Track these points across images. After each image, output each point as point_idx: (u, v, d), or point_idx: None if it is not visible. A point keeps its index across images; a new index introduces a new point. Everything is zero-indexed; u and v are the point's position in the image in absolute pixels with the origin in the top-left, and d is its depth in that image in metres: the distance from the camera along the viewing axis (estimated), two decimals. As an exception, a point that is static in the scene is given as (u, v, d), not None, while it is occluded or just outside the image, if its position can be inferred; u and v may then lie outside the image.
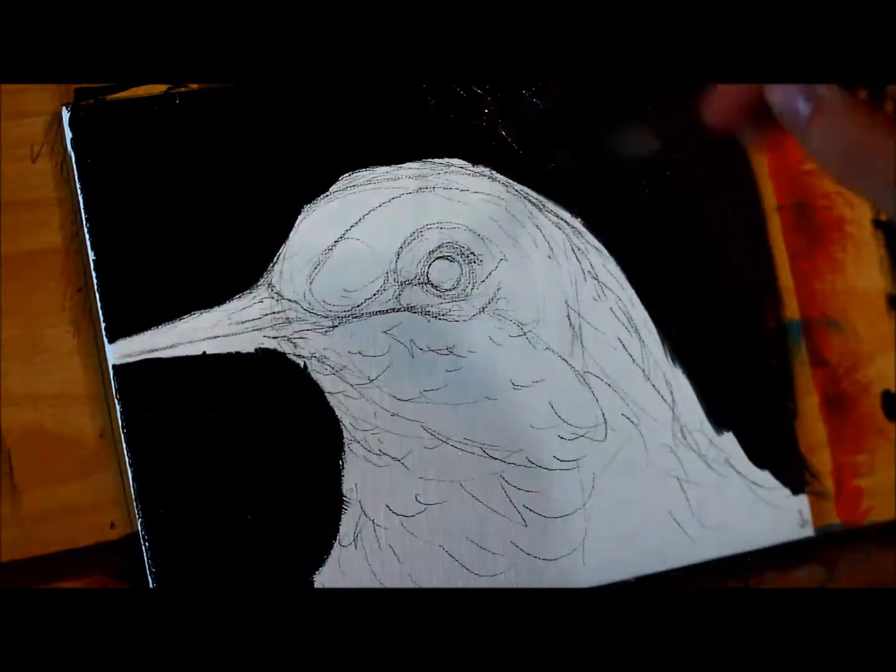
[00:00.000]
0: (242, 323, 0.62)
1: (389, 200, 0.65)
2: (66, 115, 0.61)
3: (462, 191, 0.66)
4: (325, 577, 0.63)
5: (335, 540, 0.63)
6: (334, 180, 0.64)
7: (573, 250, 0.67)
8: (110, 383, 0.61)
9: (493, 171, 0.66)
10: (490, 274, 0.66)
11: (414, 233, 0.65)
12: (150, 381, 0.61)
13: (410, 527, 0.64)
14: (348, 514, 0.63)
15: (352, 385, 0.63)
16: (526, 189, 0.67)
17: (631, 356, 0.68)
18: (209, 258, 0.62)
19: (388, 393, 0.64)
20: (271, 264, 0.63)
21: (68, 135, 0.61)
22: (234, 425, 0.62)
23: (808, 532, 0.70)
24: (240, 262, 0.63)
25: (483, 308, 0.65)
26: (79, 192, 0.61)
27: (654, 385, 0.68)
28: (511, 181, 0.67)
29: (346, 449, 0.64)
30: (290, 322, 0.63)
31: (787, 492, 0.70)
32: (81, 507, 0.61)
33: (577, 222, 0.67)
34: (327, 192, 0.64)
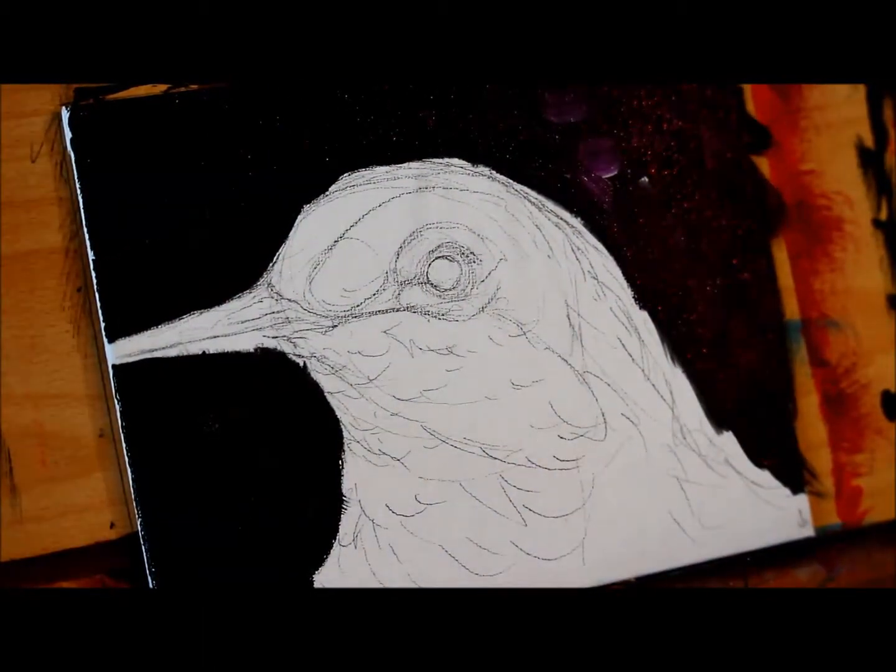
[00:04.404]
0: (242, 323, 0.62)
1: (389, 200, 0.65)
2: (65, 115, 0.61)
3: (462, 191, 0.66)
4: (325, 577, 0.63)
5: (335, 540, 0.63)
6: (334, 180, 0.64)
7: (573, 250, 0.67)
8: (110, 383, 0.61)
9: (493, 171, 0.66)
10: (490, 274, 0.66)
11: (414, 233, 0.65)
12: (149, 381, 0.61)
13: (410, 527, 0.64)
14: (348, 514, 0.63)
15: (352, 385, 0.63)
16: (526, 189, 0.67)
17: (631, 356, 0.67)
18: (209, 258, 0.62)
19: (388, 393, 0.64)
20: (271, 264, 0.63)
21: (68, 135, 0.61)
22: (233, 425, 0.62)
23: (808, 532, 0.70)
24: (240, 262, 0.63)
25: (483, 308, 0.65)
26: (78, 191, 0.61)
27: (653, 385, 0.68)
28: (511, 181, 0.66)
29: (346, 449, 0.63)
30: (289, 322, 0.63)
31: (786, 491, 0.70)
32: (81, 507, 0.61)
33: (577, 222, 0.67)
34: (327, 192, 0.64)
